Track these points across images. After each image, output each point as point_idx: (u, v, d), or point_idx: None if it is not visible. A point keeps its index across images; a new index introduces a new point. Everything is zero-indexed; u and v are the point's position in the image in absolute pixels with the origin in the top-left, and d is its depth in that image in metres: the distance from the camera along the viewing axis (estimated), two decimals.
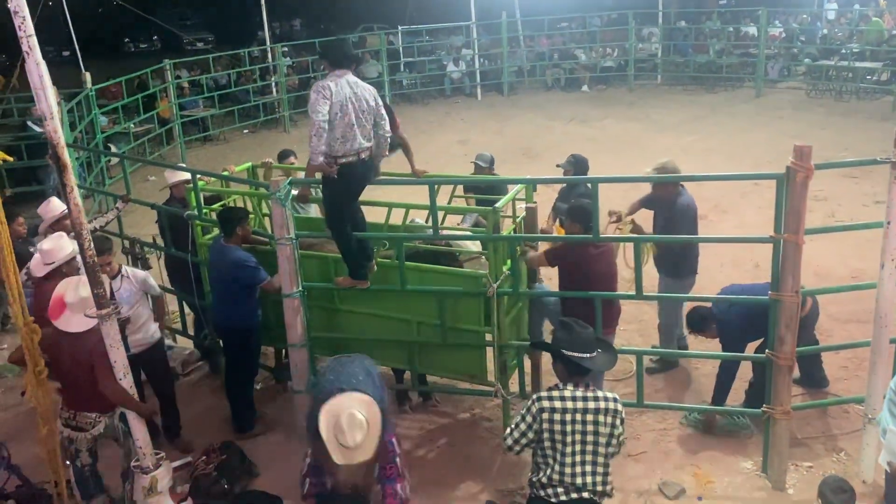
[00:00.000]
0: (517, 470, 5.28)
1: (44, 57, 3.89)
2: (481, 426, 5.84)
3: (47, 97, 3.93)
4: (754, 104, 16.30)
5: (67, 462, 4.76)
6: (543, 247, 5.40)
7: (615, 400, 3.72)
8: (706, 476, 5.07)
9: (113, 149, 12.83)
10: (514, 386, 5.67)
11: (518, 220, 5.50)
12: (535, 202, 5.55)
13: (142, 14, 18.17)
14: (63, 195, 4.20)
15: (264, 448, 5.66)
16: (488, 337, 5.31)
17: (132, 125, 13.92)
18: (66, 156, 4.08)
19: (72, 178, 4.13)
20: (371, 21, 25.27)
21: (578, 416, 3.65)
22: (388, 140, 5.13)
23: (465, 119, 16.70)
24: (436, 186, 5.32)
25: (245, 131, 16.58)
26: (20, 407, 6.39)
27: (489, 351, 5.41)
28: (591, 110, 16.61)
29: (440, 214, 5.61)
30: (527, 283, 5.54)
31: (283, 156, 7.12)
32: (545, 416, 3.68)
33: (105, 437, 4.79)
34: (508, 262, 5.23)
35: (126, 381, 4.41)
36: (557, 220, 5.76)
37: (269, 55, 17.92)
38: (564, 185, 7.11)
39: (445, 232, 5.81)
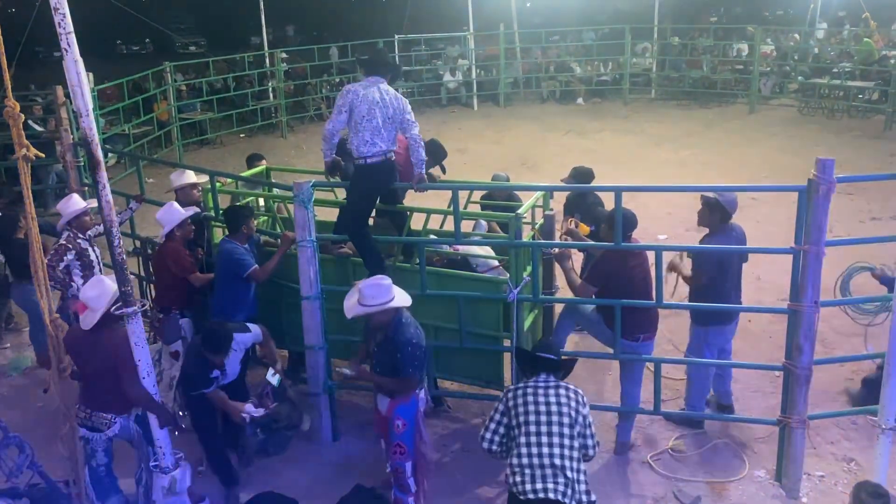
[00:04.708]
0: None
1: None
2: None
3: (84, 95, 3.94)
4: (748, 120, 16.50)
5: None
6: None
7: (576, 390, 4.03)
8: (720, 484, 5.13)
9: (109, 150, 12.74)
10: None
11: (537, 226, 5.55)
12: (553, 209, 5.62)
13: (140, 17, 18.07)
14: (95, 192, 4.20)
15: None
16: (506, 343, 5.34)
17: (129, 127, 13.84)
18: (100, 153, 4.09)
19: (104, 176, 4.13)
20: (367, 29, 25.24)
21: (541, 390, 3.96)
22: (421, 143, 5.20)
23: (462, 128, 16.76)
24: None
25: (242, 136, 16.54)
26: (27, 404, 6.35)
27: (504, 357, 5.45)
28: (587, 123, 16.74)
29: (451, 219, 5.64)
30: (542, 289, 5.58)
31: (254, 159, 7.30)
32: (510, 394, 4.02)
33: (119, 437, 4.78)
34: (528, 268, 5.27)
35: (149, 380, 4.41)
36: (573, 220, 5.77)
37: (267, 60, 17.92)
38: (570, 194, 7.16)
39: (468, 238, 5.83)
